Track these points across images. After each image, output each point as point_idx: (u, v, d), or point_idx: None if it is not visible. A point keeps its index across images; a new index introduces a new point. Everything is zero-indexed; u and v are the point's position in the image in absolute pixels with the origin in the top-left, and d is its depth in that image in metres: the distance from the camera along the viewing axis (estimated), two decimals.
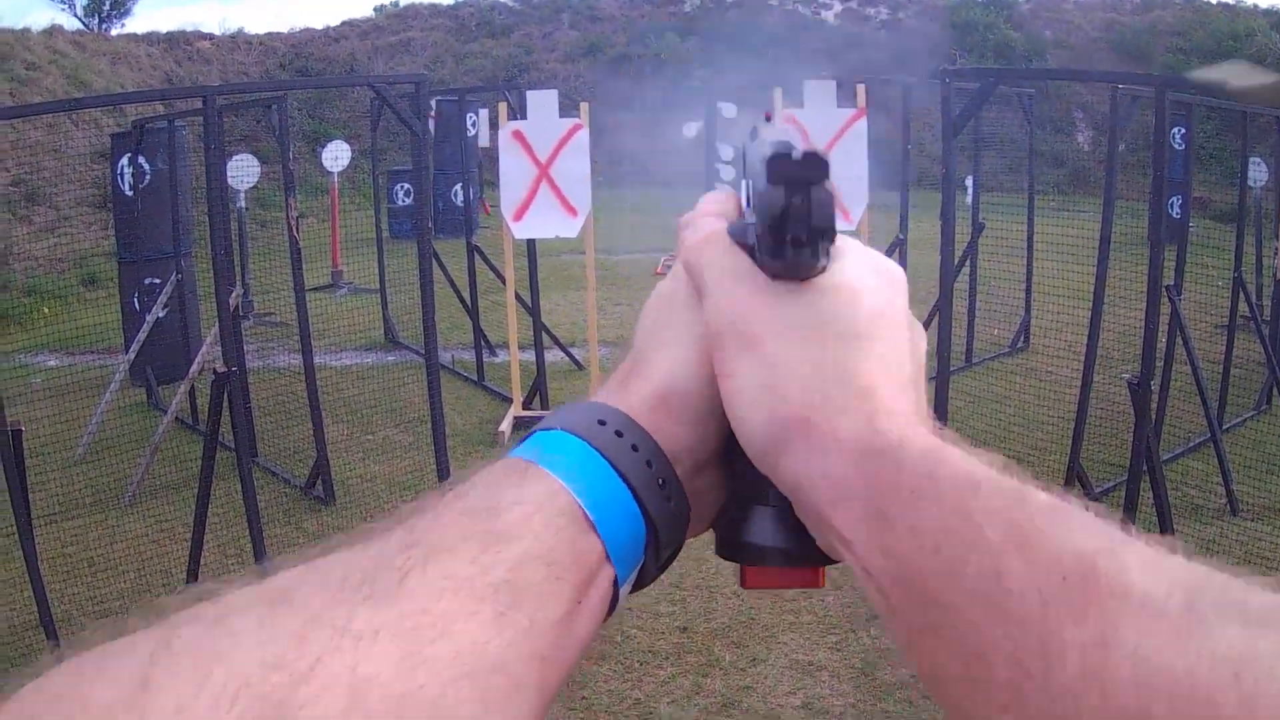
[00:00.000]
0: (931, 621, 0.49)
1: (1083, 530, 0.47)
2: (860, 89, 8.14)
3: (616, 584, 0.54)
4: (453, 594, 0.46)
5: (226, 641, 0.41)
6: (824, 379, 0.56)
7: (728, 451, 0.61)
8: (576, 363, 9.71)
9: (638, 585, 0.59)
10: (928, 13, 24.97)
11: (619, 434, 0.57)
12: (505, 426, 8.33)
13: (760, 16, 24.53)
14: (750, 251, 0.61)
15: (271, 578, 0.47)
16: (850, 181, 7.71)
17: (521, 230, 8.16)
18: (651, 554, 0.57)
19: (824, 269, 0.59)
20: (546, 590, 0.49)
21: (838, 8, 25.69)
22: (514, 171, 7.97)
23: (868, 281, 0.60)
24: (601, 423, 0.58)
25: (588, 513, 0.53)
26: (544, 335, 9.19)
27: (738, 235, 0.62)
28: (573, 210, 8.05)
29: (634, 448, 0.57)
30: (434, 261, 7.03)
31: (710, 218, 0.68)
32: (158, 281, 9.09)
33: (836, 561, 0.57)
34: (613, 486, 0.55)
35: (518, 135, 8.00)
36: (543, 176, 8.01)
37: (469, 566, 0.47)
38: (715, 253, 0.62)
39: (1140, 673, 0.41)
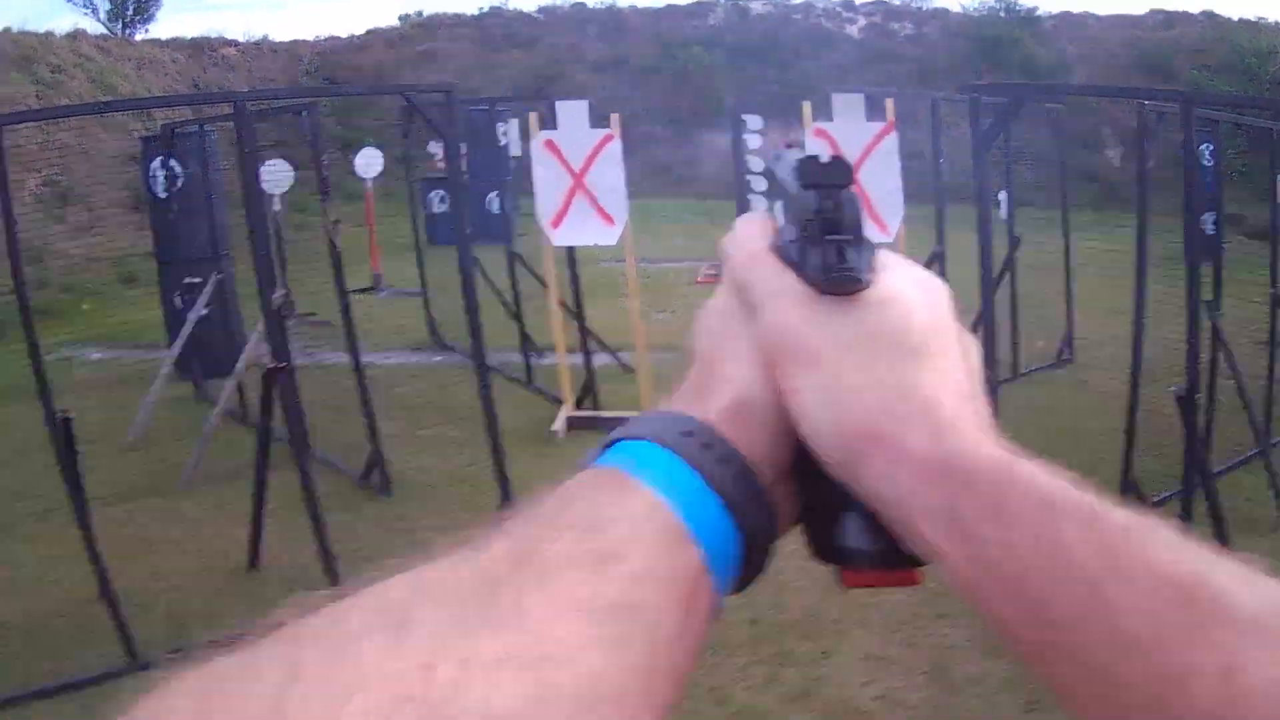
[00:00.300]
0: (1050, 638, 0.49)
1: (1169, 550, 0.47)
2: (889, 103, 8.28)
3: (717, 596, 0.54)
4: (571, 617, 0.45)
5: (355, 672, 0.41)
6: (886, 394, 0.57)
7: (804, 460, 0.61)
8: (624, 365, 9.75)
9: (735, 590, 0.58)
10: (952, 27, 25.17)
11: (706, 446, 0.57)
12: (559, 425, 8.46)
13: (785, 29, 24.71)
14: (794, 269, 0.62)
15: (385, 589, 0.46)
16: (885, 194, 7.79)
17: (560, 238, 8.33)
18: (745, 565, 0.57)
19: (869, 284, 0.60)
20: (658, 608, 0.49)
21: (862, 22, 25.93)
22: (548, 180, 8.13)
23: (914, 295, 0.61)
24: (687, 434, 0.57)
25: (689, 527, 0.53)
26: (589, 339, 9.32)
27: (782, 253, 0.63)
28: (609, 219, 8.19)
29: (722, 459, 0.57)
30: (475, 266, 7.15)
31: (754, 229, 0.68)
32: (198, 280, 9.28)
33: (928, 562, 0.57)
34: (706, 500, 0.54)
35: (550, 145, 8.11)
36: (577, 185, 8.14)
37: (582, 588, 0.47)
38: (763, 270, 0.63)
39: (1274, 696, 0.42)
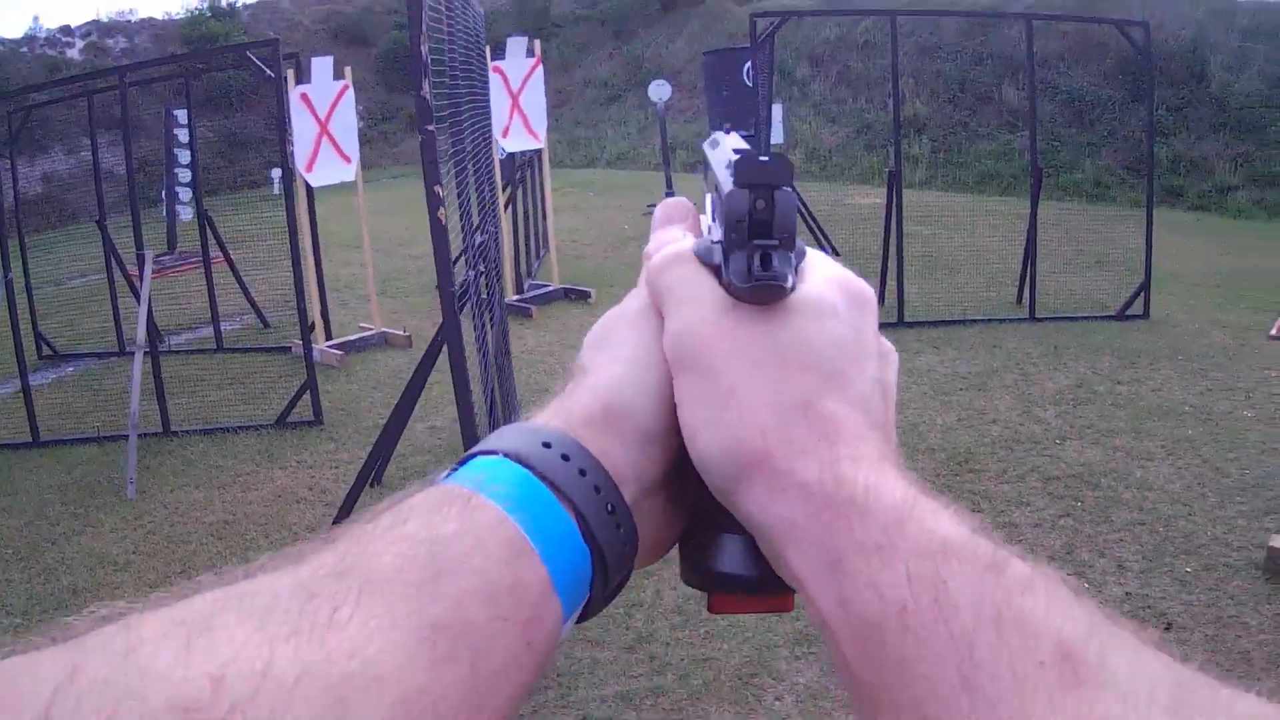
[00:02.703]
0: (892, 685, 0.48)
1: (1062, 610, 0.47)
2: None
3: (562, 618, 0.53)
4: (387, 634, 0.44)
5: (137, 679, 0.39)
6: (785, 415, 0.56)
7: (683, 477, 0.61)
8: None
9: (583, 616, 0.57)
10: (162, 33, 26.18)
11: (565, 458, 0.56)
12: None
13: (15, 63, 24.00)
14: (716, 273, 0.61)
15: (192, 600, 0.44)
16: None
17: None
18: (599, 584, 0.56)
19: (791, 290, 0.59)
20: (489, 631, 0.47)
21: (80, 44, 25.91)
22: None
23: (836, 306, 0.60)
24: (546, 445, 0.56)
25: (533, 544, 0.51)
26: None
27: (703, 255, 0.63)
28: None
29: (581, 472, 0.56)
30: None
31: (675, 230, 0.71)
32: None
33: None
34: (558, 516, 0.54)
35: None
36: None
37: (405, 604, 0.45)
38: (680, 273, 0.62)
39: None
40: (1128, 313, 10.12)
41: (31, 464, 7.70)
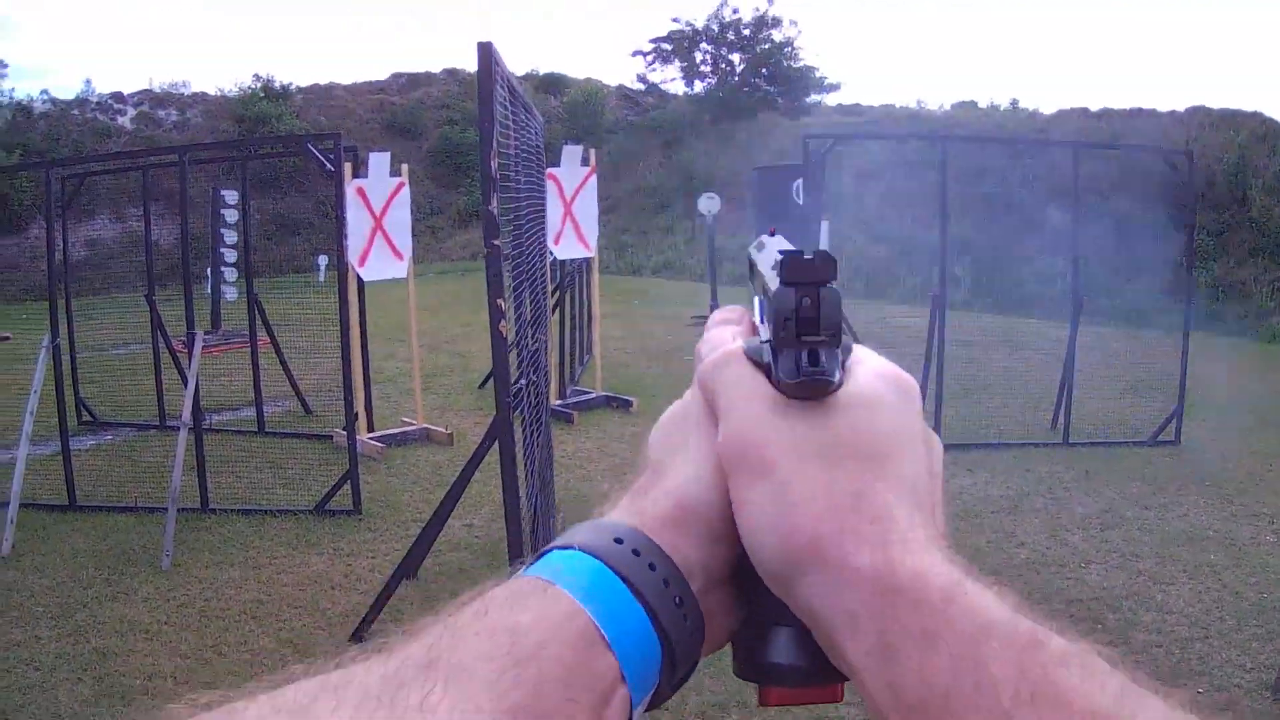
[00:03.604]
0: None
1: (1096, 681, 0.50)
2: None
3: (631, 706, 0.56)
4: (472, 718, 0.48)
5: None
6: (838, 505, 0.58)
7: (742, 571, 0.63)
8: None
9: (651, 705, 0.60)
10: (213, 110, 26.82)
11: (636, 552, 0.59)
12: None
13: (65, 125, 24.59)
14: (766, 371, 0.63)
15: (288, 690, 0.49)
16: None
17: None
18: (666, 673, 0.59)
19: (839, 386, 0.62)
20: (563, 714, 0.51)
21: (132, 112, 26.52)
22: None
23: (883, 397, 0.63)
24: (618, 541, 0.60)
25: (604, 634, 0.55)
26: None
27: (753, 355, 0.65)
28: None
29: (651, 566, 0.59)
30: None
31: (727, 331, 0.74)
32: None
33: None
34: (629, 607, 0.57)
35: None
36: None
37: (488, 690, 0.49)
38: (731, 373, 0.65)
39: None
40: (1159, 438, 10.24)
41: (67, 527, 7.92)
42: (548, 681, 0.51)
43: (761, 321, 0.71)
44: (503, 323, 4.92)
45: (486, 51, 4.83)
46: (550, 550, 0.60)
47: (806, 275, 0.62)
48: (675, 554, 0.60)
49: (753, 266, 0.81)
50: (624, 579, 0.58)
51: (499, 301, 4.91)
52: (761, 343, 0.65)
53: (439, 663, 0.50)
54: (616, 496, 0.67)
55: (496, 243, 4.91)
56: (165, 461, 8.28)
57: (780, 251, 0.65)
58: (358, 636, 5.93)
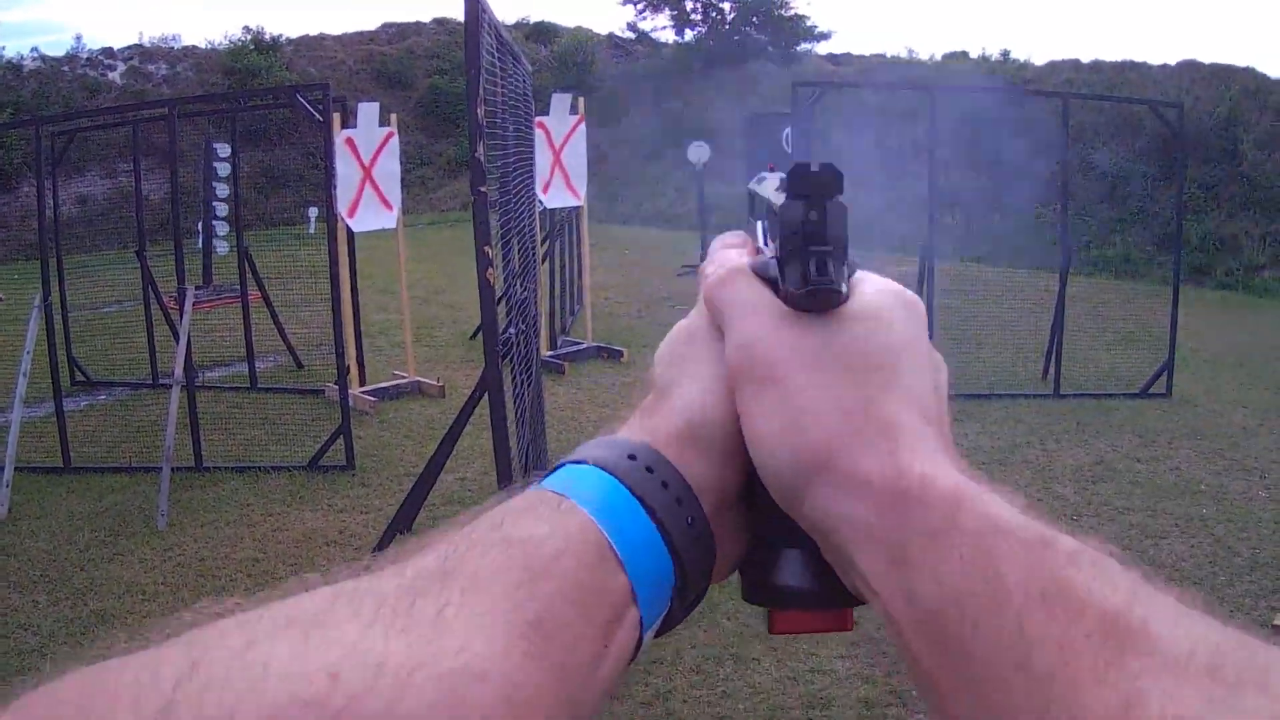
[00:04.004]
0: (954, 672, 0.50)
1: (1108, 580, 0.49)
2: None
3: (642, 628, 0.56)
4: (489, 631, 0.47)
5: (257, 672, 0.42)
6: (847, 414, 0.58)
7: (751, 491, 0.63)
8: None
9: (662, 629, 0.60)
10: (203, 63, 26.63)
11: (649, 469, 0.59)
12: None
13: (56, 84, 24.43)
14: (773, 286, 0.64)
15: (303, 598, 0.48)
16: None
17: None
18: (678, 596, 0.59)
19: (845, 298, 0.62)
20: (577, 631, 0.51)
21: (122, 67, 26.37)
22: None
23: (890, 311, 0.63)
24: (631, 457, 0.60)
25: (617, 551, 0.55)
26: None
27: (760, 270, 0.65)
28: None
29: (664, 484, 0.59)
30: None
31: (732, 252, 0.74)
32: None
33: (864, 603, 0.59)
34: (642, 524, 0.57)
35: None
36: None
37: (504, 602, 0.49)
38: (737, 287, 0.65)
39: None
40: (1150, 391, 10.27)
41: (62, 489, 7.90)
42: (563, 596, 0.51)
43: (765, 244, 0.73)
44: (490, 270, 4.90)
45: (474, 0, 4.78)
46: (563, 465, 0.60)
47: (813, 187, 0.62)
48: (687, 473, 0.61)
49: (753, 198, 0.81)
50: (637, 496, 0.58)
51: (486, 249, 4.90)
52: (767, 258, 0.66)
53: (455, 573, 0.50)
54: (625, 415, 0.67)
55: (483, 190, 4.89)
56: (159, 420, 8.26)
57: (790, 167, 0.64)
58: None
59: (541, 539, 0.53)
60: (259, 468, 8.21)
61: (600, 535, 0.55)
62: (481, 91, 4.83)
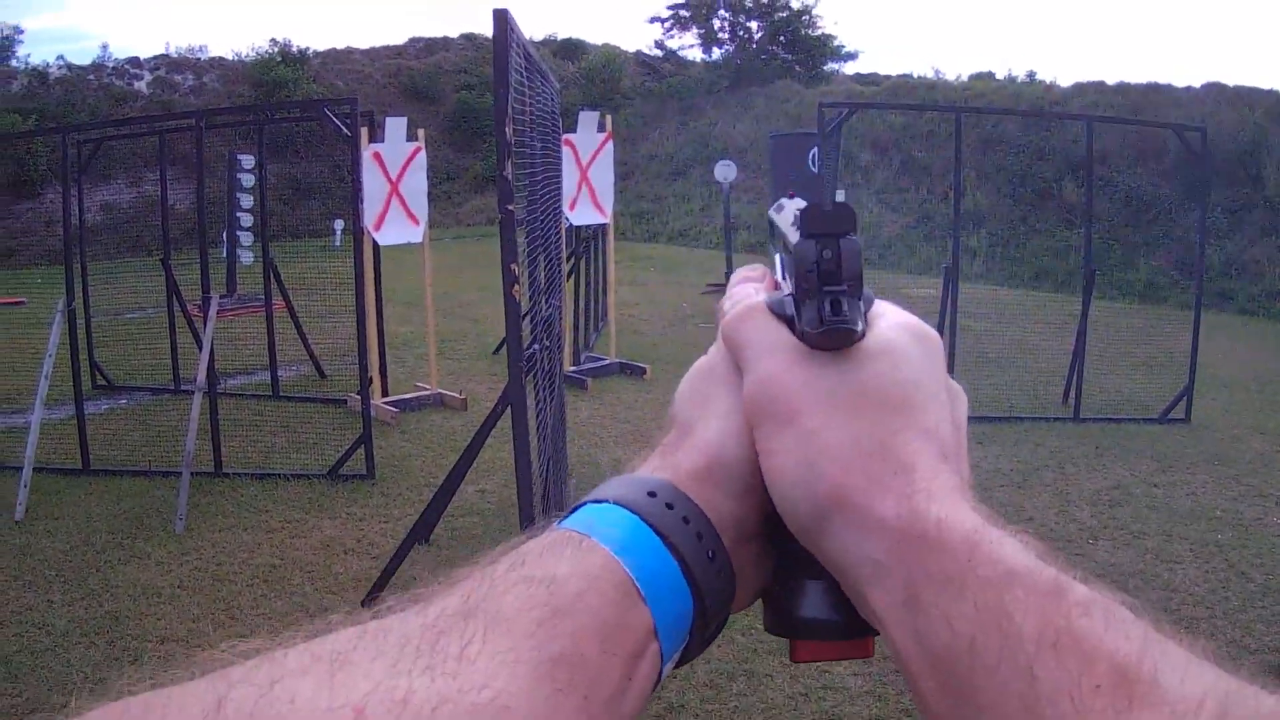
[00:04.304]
0: (961, 714, 0.51)
1: (1119, 630, 0.49)
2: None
3: (662, 659, 0.56)
4: (512, 668, 0.48)
5: (283, 709, 0.43)
6: (863, 454, 0.59)
7: (771, 525, 0.64)
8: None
9: (681, 660, 0.60)
10: (230, 75, 26.81)
11: (669, 506, 0.60)
12: None
13: (81, 91, 24.60)
14: (789, 324, 0.64)
15: (326, 638, 0.49)
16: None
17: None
18: (698, 629, 0.59)
19: (862, 335, 0.62)
20: (600, 667, 0.51)
21: (148, 77, 26.54)
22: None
23: (906, 347, 0.63)
24: (651, 494, 0.60)
25: (639, 587, 0.55)
26: None
27: (776, 308, 0.66)
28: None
29: (684, 520, 0.59)
30: None
31: (749, 287, 0.74)
32: None
33: None
34: (663, 560, 0.57)
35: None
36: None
37: (527, 640, 0.49)
38: (754, 325, 0.66)
39: None
40: (1170, 416, 10.22)
41: (80, 491, 7.95)
42: (585, 633, 0.51)
43: (783, 278, 0.74)
44: (516, 287, 4.92)
45: (503, 18, 4.81)
46: (583, 504, 0.61)
47: (827, 226, 0.63)
48: (707, 508, 0.61)
49: (773, 227, 0.82)
50: (658, 532, 0.58)
51: (513, 266, 4.91)
52: (784, 296, 0.67)
53: (477, 612, 0.50)
54: (645, 454, 0.67)
55: (511, 208, 4.89)
56: (179, 425, 8.30)
57: (800, 207, 0.65)
58: (369, 601, 5.90)
59: (563, 578, 0.53)
60: (278, 475, 8.24)
61: (623, 572, 0.55)
62: (510, 110, 4.84)
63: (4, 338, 10.08)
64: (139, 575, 6.47)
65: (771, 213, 0.82)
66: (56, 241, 10.31)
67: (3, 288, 13.85)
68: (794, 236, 0.65)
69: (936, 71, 35.08)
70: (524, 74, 5.50)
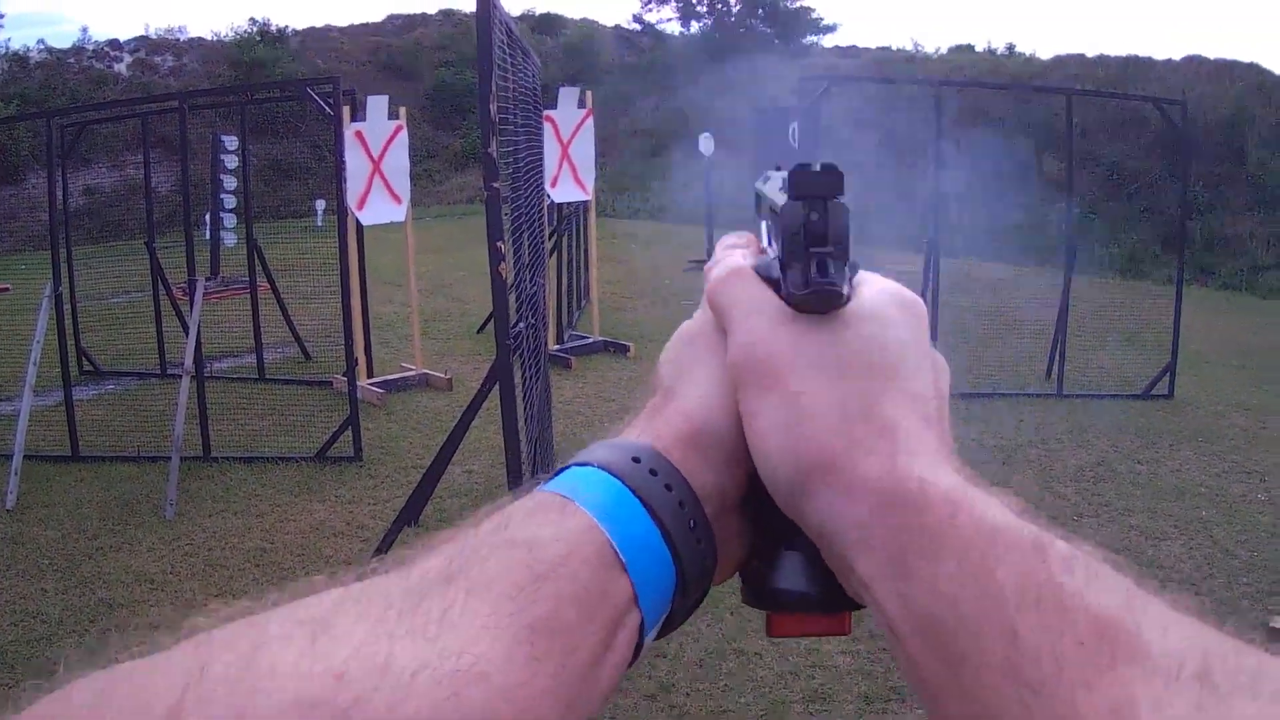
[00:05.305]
0: (948, 677, 0.50)
1: (1100, 586, 0.49)
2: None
3: (643, 630, 0.56)
4: (492, 634, 0.48)
5: (264, 675, 0.43)
6: (847, 416, 0.58)
7: (753, 495, 0.63)
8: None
9: (662, 631, 0.60)
10: (211, 55, 26.61)
11: (653, 472, 0.59)
12: None
13: (62, 74, 24.46)
14: (775, 287, 0.63)
15: (309, 600, 0.49)
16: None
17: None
18: (679, 598, 0.59)
19: (848, 299, 0.61)
20: (578, 634, 0.51)
21: (129, 59, 26.34)
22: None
23: (890, 312, 0.63)
24: (635, 460, 0.60)
25: (620, 554, 0.55)
26: None
27: (762, 271, 0.65)
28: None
29: (667, 487, 0.59)
30: None
31: (736, 253, 0.72)
32: None
33: (863, 606, 0.59)
34: (645, 527, 0.57)
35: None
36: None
37: (507, 604, 0.50)
38: (740, 287, 0.65)
39: None
40: (1152, 392, 10.30)
41: (70, 478, 7.95)
42: (565, 599, 0.51)
43: (769, 244, 0.74)
44: (503, 265, 4.94)
45: None
46: (568, 466, 0.60)
47: (814, 188, 0.62)
48: (690, 475, 0.60)
49: (759, 198, 0.81)
50: (640, 499, 0.57)
51: (499, 244, 4.93)
52: (770, 260, 0.66)
53: (459, 576, 0.51)
54: (629, 418, 0.67)
55: (496, 185, 4.92)
56: (167, 410, 8.33)
57: (791, 169, 0.63)
58: None
59: (545, 542, 0.53)
60: (267, 458, 8.27)
61: (603, 538, 0.55)
62: (495, 88, 4.84)
63: None
64: (131, 562, 6.49)
65: (758, 184, 0.82)
66: (40, 227, 10.26)
67: None
68: (781, 200, 0.65)
69: (915, 44, 35.12)
70: (506, 50, 5.50)
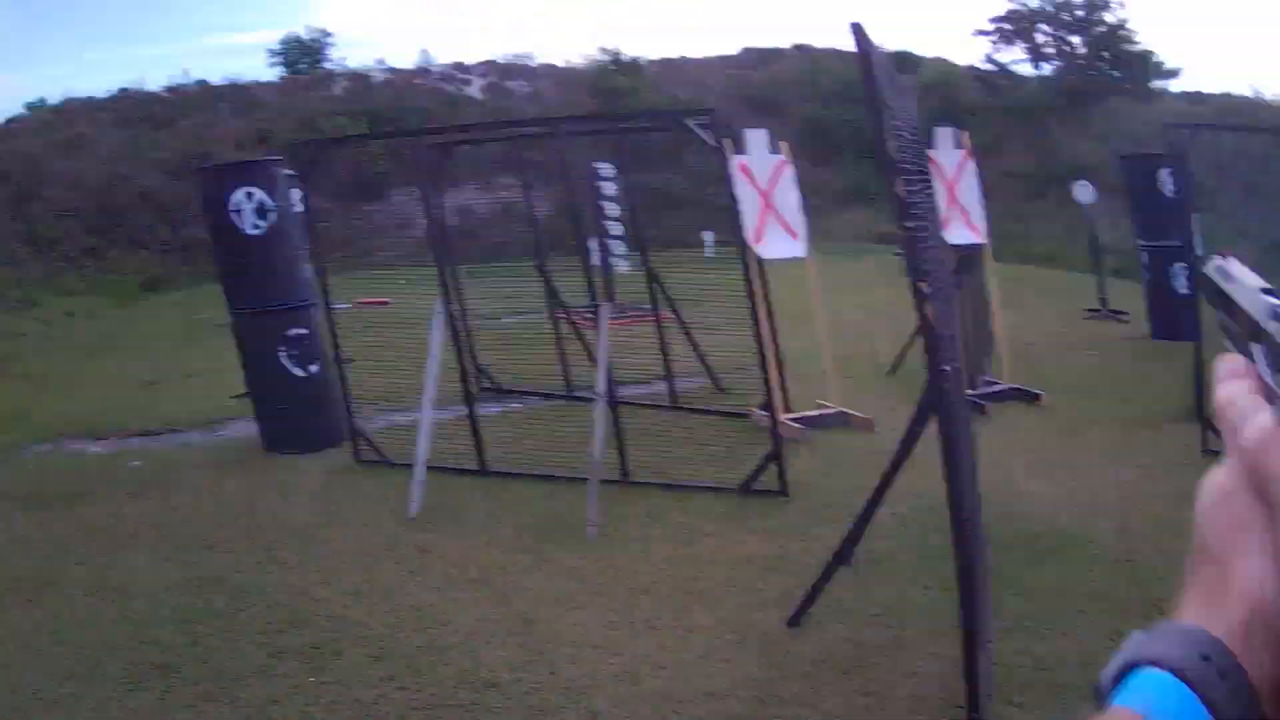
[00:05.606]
0: None
1: None
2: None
3: None
4: None
5: None
6: None
7: None
8: None
9: None
10: (565, 81, 27.67)
11: (1222, 674, 0.55)
12: None
13: (408, 95, 25.88)
14: None
15: None
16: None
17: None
18: None
19: None
20: None
21: (479, 82, 27.76)
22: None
23: None
24: (1205, 658, 0.55)
25: None
26: None
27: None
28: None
29: (1234, 693, 0.54)
30: None
31: (1245, 393, 0.62)
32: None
33: None
34: None
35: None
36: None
37: None
38: None
39: None
40: None
41: (478, 492, 8.22)
42: None
43: (1271, 377, 0.60)
44: (929, 305, 4.81)
45: (861, 32, 4.66)
46: (1134, 668, 0.57)
47: None
48: (1250, 667, 0.55)
49: (1221, 296, 0.67)
50: (1211, 711, 0.53)
51: (920, 284, 4.80)
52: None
53: None
54: (1182, 585, 0.62)
55: (911, 226, 4.82)
56: (575, 432, 8.51)
57: (1264, 291, 0.57)
58: (794, 621, 5.85)
59: None
60: (687, 486, 8.26)
61: None
62: (890, 126, 4.77)
63: (375, 337, 10.47)
64: (549, 579, 6.57)
65: (1214, 276, 0.67)
66: (408, 245, 10.68)
67: (363, 288, 14.47)
68: (1273, 327, 0.56)
69: (1254, 90, 33.42)
70: (890, 88, 5.38)
